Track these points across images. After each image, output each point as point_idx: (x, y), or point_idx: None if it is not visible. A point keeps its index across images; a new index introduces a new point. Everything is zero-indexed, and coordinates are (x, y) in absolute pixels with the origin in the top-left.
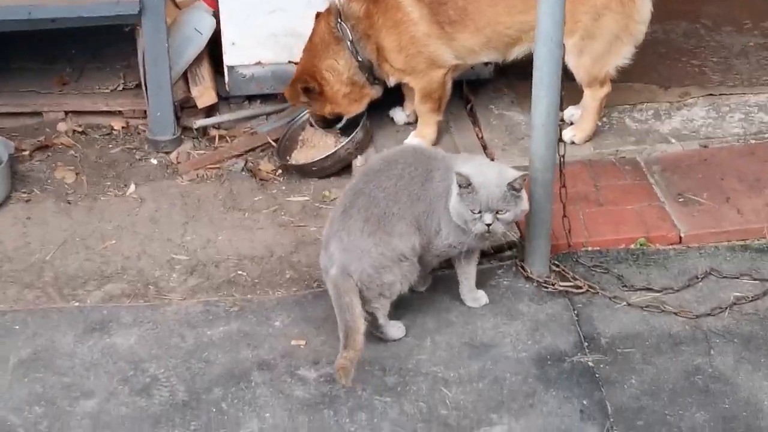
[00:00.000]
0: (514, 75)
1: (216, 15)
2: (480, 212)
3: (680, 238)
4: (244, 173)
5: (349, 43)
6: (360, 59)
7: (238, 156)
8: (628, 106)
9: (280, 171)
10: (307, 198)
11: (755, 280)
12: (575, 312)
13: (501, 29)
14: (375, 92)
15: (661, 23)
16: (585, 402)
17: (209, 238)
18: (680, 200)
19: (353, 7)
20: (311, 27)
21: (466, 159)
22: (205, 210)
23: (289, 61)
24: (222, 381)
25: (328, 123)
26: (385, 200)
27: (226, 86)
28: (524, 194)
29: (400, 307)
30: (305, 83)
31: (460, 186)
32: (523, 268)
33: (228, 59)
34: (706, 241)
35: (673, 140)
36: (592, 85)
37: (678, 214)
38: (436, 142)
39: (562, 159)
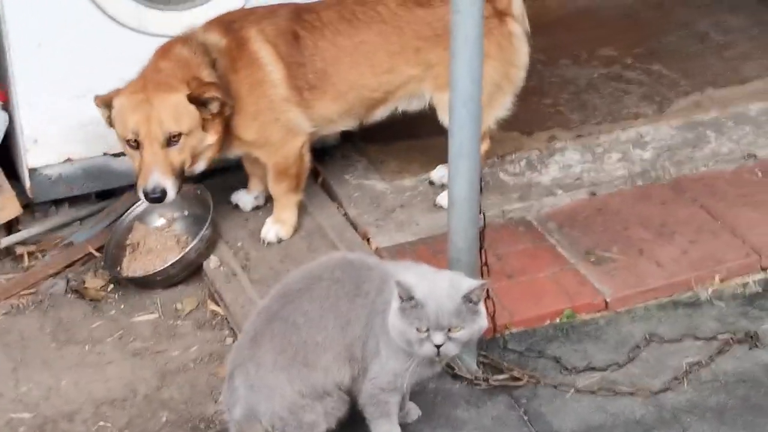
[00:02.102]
0: (360, 138)
1: (7, 107)
2: (427, 330)
3: (606, 303)
4: (68, 295)
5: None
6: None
7: (55, 274)
8: (496, 159)
9: (111, 286)
10: (156, 315)
11: (699, 340)
12: (522, 410)
13: (365, 93)
14: None
15: None
16: None
17: (50, 385)
18: (591, 260)
19: (211, 38)
20: None
21: (408, 267)
22: (33, 349)
23: (105, 153)
24: None
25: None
26: (307, 327)
27: (28, 192)
28: (483, 308)
29: None
30: (208, 89)
31: (401, 299)
32: (448, 365)
33: (30, 160)
34: (633, 303)
35: (559, 191)
36: None
37: (596, 276)
38: (297, 227)
39: (482, 233)
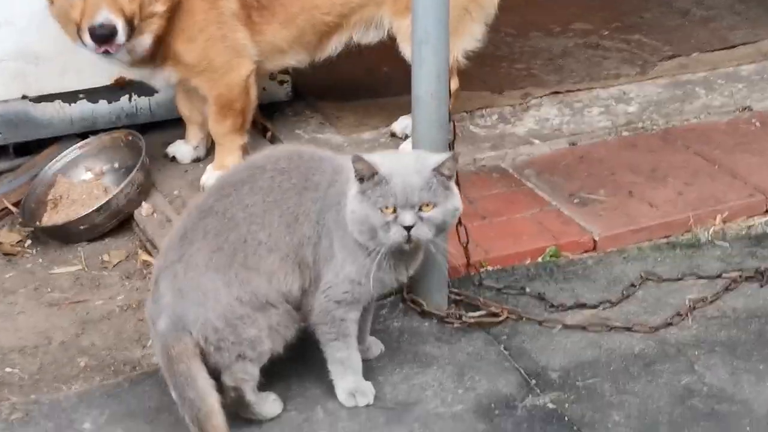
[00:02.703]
0: (314, 96)
1: None
2: (395, 211)
3: (594, 242)
4: None
5: None
6: None
7: None
8: (465, 114)
9: (29, 242)
10: (78, 267)
11: (702, 278)
12: (502, 347)
13: (318, 16)
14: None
15: None
16: None
17: None
18: (575, 201)
19: None
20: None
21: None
22: None
23: (24, 96)
24: None
25: None
26: (248, 223)
27: None
28: (455, 187)
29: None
30: None
31: (361, 179)
32: (414, 302)
33: None
34: (625, 243)
35: (536, 141)
36: None
37: (581, 216)
38: None
39: (452, 144)
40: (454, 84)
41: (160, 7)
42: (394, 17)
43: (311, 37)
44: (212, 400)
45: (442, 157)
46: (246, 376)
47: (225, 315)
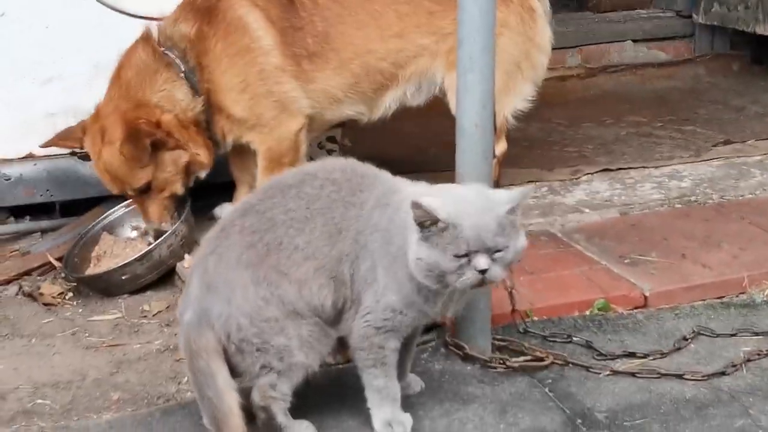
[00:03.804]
0: None
1: None
2: (466, 255)
3: (645, 298)
4: (20, 297)
5: (182, 74)
6: (200, 94)
7: (7, 282)
8: (514, 186)
9: (71, 294)
10: (118, 315)
11: (758, 335)
12: (547, 389)
13: (372, 61)
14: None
15: None
16: None
17: None
18: (626, 261)
19: (181, 29)
20: None
21: (423, 186)
22: None
23: (73, 152)
24: None
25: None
26: (286, 227)
27: None
28: (519, 224)
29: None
30: (150, 135)
31: (421, 226)
32: (457, 346)
33: None
34: (678, 300)
35: (587, 210)
36: None
37: (632, 274)
38: None
39: (497, 184)
40: (502, 146)
41: (185, 157)
42: (447, 71)
43: (366, 86)
44: (230, 399)
45: (514, 196)
46: (275, 393)
47: (251, 314)
